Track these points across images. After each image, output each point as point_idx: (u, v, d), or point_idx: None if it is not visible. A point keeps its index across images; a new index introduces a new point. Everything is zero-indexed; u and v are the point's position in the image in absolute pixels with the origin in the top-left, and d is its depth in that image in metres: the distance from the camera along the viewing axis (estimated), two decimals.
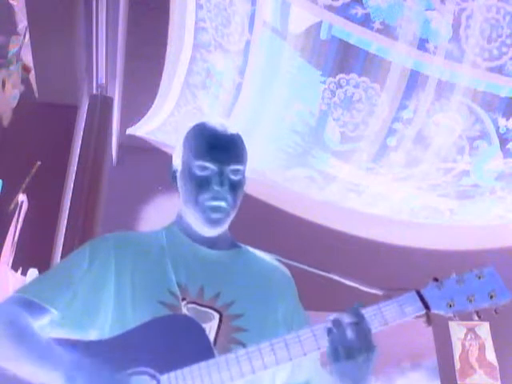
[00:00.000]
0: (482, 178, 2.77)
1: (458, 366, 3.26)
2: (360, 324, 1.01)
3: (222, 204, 1.19)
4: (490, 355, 3.28)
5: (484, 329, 3.32)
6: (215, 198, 1.19)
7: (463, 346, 3.30)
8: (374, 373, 1.05)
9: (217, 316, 1.14)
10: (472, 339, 3.31)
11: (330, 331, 1.02)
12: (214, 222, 1.20)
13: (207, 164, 1.20)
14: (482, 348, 3.30)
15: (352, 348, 1.00)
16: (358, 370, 1.02)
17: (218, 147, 1.22)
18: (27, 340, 1.05)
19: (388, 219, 3.36)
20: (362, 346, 1.01)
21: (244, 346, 1.07)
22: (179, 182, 1.26)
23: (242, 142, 1.27)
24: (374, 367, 1.04)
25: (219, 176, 1.19)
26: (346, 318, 1.02)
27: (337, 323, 1.02)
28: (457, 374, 3.24)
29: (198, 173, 1.20)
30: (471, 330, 3.33)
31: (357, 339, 1.01)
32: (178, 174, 1.26)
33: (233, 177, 1.21)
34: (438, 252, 3.32)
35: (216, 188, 1.18)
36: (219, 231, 1.24)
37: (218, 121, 1.27)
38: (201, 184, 1.20)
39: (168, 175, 1.30)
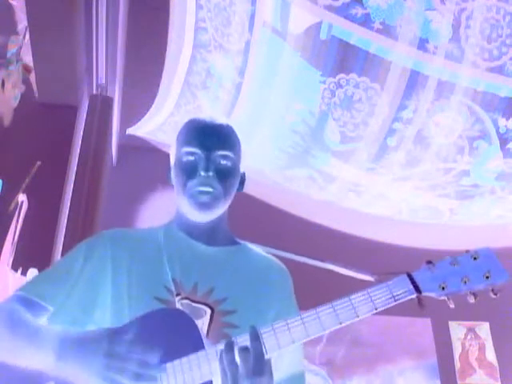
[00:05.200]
0: (482, 178, 2.77)
1: (458, 366, 3.26)
2: (251, 348, 0.97)
3: (209, 189, 1.19)
4: (490, 355, 3.28)
5: (484, 329, 3.32)
6: (201, 184, 1.19)
7: (463, 346, 3.30)
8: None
9: (209, 312, 1.14)
10: (472, 339, 3.31)
11: (220, 355, 0.98)
12: (202, 205, 1.20)
13: (193, 149, 1.21)
14: (482, 348, 3.30)
15: (238, 374, 0.96)
16: None
17: (205, 133, 1.23)
18: (20, 327, 1.07)
19: (388, 219, 3.35)
20: (249, 373, 0.96)
21: None
22: (172, 176, 1.27)
23: (233, 130, 1.28)
24: None
25: (205, 161, 1.19)
26: (240, 341, 0.99)
27: (228, 347, 0.98)
28: (457, 374, 3.24)
29: (185, 159, 1.22)
30: (471, 329, 3.33)
31: (244, 365, 0.96)
32: (172, 169, 1.28)
33: (222, 162, 1.21)
34: (438, 252, 3.31)
35: (202, 174, 1.18)
36: (209, 217, 1.23)
37: (209, 115, 1.29)
38: (188, 170, 1.21)
39: (167, 175, 1.31)
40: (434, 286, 1.01)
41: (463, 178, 2.77)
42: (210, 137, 1.23)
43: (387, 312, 1.04)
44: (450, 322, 3.32)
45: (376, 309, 1.00)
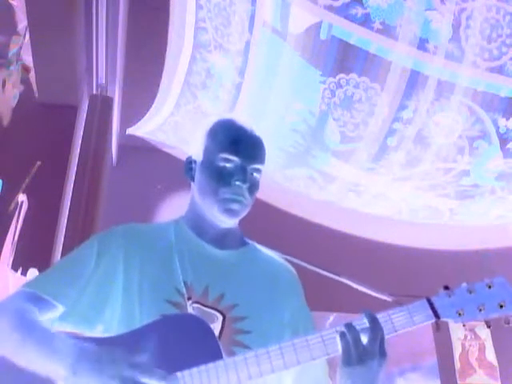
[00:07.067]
0: (482, 178, 2.77)
1: (458, 365, 3.26)
2: (374, 329, 1.01)
3: (241, 199, 1.21)
4: (490, 355, 3.28)
5: (484, 329, 3.32)
6: (235, 193, 1.20)
7: (463, 346, 3.30)
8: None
9: (220, 317, 1.13)
10: (472, 339, 3.31)
11: (342, 335, 1.01)
12: (231, 212, 1.21)
13: (231, 157, 1.21)
14: (481, 348, 3.29)
15: (365, 353, 1.00)
16: (368, 375, 1.01)
17: (244, 143, 1.24)
18: (35, 332, 1.06)
19: (388, 219, 3.35)
20: (375, 351, 1.00)
21: (247, 348, 1.07)
22: (198, 173, 1.26)
23: (264, 146, 1.30)
24: (384, 374, 1.03)
25: (242, 172, 1.20)
26: (359, 323, 1.02)
27: (350, 327, 1.01)
28: (457, 373, 3.24)
29: (221, 164, 1.22)
30: (471, 330, 3.33)
31: (370, 344, 1.00)
32: (198, 165, 1.26)
33: (254, 174, 1.23)
34: (438, 252, 3.31)
35: (238, 183, 1.20)
36: (232, 223, 1.25)
37: (245, 122, 1.29)
38: (223, 176, 1.21)
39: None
40: (452, 312, 1.04)
41: (463, 178, 2.78)
42: (250, 148, 1.24)
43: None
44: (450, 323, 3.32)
45: (396, 331, 1.03)
